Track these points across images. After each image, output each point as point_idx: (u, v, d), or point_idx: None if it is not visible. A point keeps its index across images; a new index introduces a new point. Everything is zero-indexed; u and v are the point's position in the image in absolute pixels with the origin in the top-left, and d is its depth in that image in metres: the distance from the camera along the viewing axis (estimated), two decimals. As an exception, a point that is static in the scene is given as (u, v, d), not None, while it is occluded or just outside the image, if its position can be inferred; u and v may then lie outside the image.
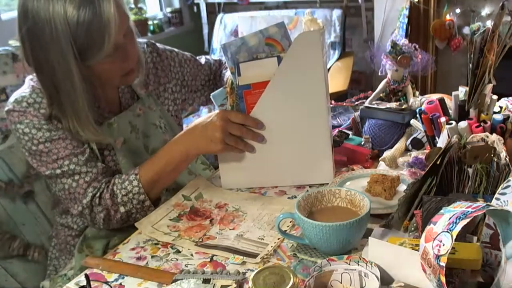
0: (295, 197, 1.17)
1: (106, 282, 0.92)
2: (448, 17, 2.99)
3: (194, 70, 1.44)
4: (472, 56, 1.10)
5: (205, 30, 3.91)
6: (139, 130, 1.27)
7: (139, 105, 1.29)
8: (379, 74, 1.52)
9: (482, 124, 1.09)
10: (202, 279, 0.88)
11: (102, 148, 1.21)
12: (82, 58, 1.05)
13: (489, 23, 2.80)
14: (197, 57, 1.48)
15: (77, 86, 1.07)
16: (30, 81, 1.19)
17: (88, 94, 1.11)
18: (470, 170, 0.96)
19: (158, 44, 1.40)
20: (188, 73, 1.43)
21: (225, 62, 1.49)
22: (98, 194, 1.15)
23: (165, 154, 1.17)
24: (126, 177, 1.16)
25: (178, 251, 1.01)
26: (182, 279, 0.88)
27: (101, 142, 1.19)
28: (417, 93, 1.52)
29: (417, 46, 1.46)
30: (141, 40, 1.32)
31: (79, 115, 1.10)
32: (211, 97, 1.20)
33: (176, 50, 1.44)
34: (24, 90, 1.17)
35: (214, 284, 0.87)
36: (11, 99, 1.16)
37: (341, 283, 0.81)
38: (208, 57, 1.51)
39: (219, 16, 3.64)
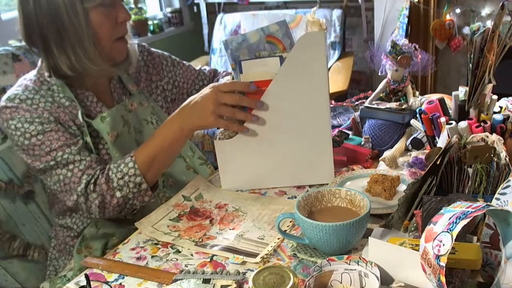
0: (295, 197, 1.17)
1: (106, 282, 0.92)
2: (448, 17, 2.99)
3: (187, 73, 1.47)
4: (472, 56, 1.10)
5: (205, 30, 3.91)
6: (131, 125, 1.28)
7: (131, 101, 1.30)
8: (379, 74, 1.52)
9: (482, 124, 1.09)
10: (202, 279, 0.88)
11: (96, 142, 1.22)
12: None
13: (489, 23, 2.80)
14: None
15: (82, 24, 1.11)
16: (23, 80, 1.20)
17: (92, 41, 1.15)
18: (470, 170, 0.96)
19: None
20: (180, 75, 1.46)
21: (220, 72, 1.52)
22: (92, 181, 1.14)
23: (160, 133, 1.17)
24: (121, 160, 1.16)
25: (178, 251, 1.01)
26: (182, 279, 0.88)
27: (112, 75, 1.26)
28: (417, 93, 1.52)
29: (417, 46, 1.46)
30: (133, 41, 1.34)
31: (86, 50, 1.14)
32: None
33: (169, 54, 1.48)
34: (16, 88, 1.18)
35: (214, 284, 0.87)
36: (4, 97, 1.17)
37: (341, 283, 0.81)
38: (204, 67, 1.55)
39: (219, 16, 3.64)
